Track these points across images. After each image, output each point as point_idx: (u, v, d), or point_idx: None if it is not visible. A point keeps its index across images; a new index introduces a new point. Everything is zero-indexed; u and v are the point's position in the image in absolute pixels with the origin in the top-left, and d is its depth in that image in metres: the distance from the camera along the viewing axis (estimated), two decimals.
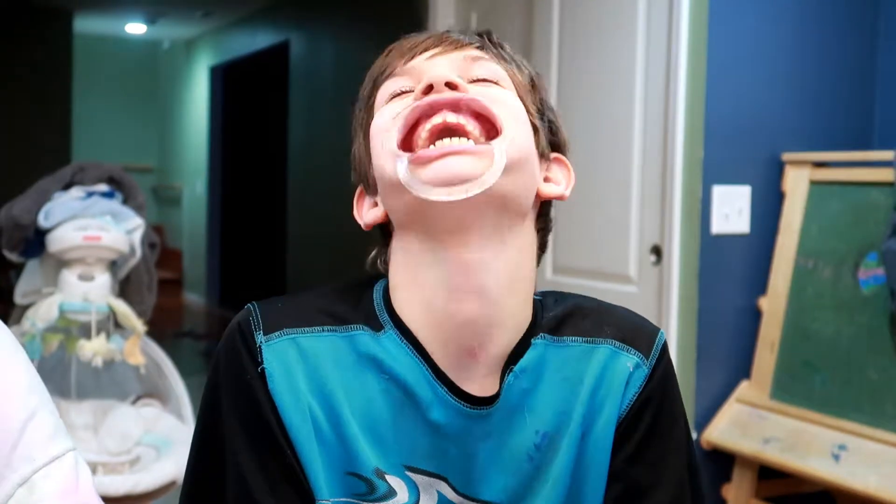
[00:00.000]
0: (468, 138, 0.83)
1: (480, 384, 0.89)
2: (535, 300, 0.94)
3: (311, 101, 7.27)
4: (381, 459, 0.88)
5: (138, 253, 2.81)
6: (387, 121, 0.86)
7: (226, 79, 9.09)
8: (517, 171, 0.84)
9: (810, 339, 2.78)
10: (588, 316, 0.94)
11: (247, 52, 8.47)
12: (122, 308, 2.70)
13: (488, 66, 0.90)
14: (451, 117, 0.83)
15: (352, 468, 0.87)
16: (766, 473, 2.83)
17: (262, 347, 0.88)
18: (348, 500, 0.88)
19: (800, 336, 2.81)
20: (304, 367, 0.88)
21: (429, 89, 0.84)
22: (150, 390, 2.94)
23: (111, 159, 3.10)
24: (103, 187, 2.85)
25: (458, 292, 0.83)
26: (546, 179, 0.93)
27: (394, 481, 0.88)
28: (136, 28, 9.63)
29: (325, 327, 0.89)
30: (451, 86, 0.84)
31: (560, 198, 0.92)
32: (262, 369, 0.87)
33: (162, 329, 6.53)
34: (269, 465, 0.86)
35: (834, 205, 2.80)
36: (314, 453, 0.87)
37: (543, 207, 0.93)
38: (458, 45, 0.90)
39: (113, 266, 2.79)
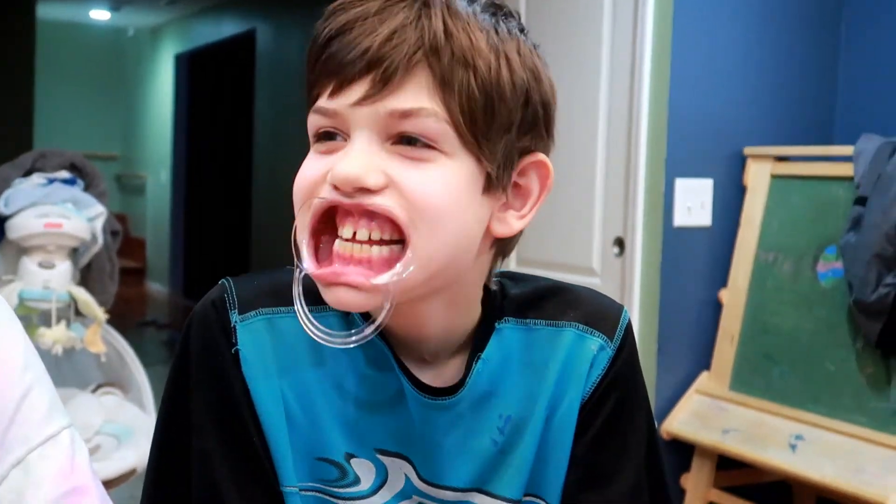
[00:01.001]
0: (371, 244, 0.78)
1: (445, 373, 0.89)
2: (492, 282, 0.93)
3: (277, 90, 7.24)
4: (352, 443, 0.87)
5: (100, 241, 2.79)
6: (307, 180, 0.81)
7: (191, 67, 9.02)
8: (434, 275, 0.79)
9: (770, 332, 2.81)
10: (553, 298, 0.93)
11: (213, 40, 8.41)
12: (83, 296, 2.68)
13: (422, 123, 0.76)
14: (361, 233, 0.77)
15: (322, 453, 0.87)
16: (725, 463, 2.86)
17: (237, 327, 0.86)
18: (316, 484, 0.88)
19: (759, 328, 2.84)
20: (277, 349, 0.87)
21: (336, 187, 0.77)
22: (110, 379, 2.92)
23: (75, 147, 3.07)
24: (65, 174, 2.82)
25: (398, 325, 0.82)
26: (505, 207, 0.83)
27: (363, 464, 0.88)
28: (100, 14, 9.53)
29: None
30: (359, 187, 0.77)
31: (520, 229, 0.85)
32: (237, 350, 0.86)
33: (125, 318, 6.48)
34: (236, 454, 0.85)
35: (794, 199, 2.83)
36: (284, 438, 0.86)
37: (501, 238, 0.86)
38: (391, 75, 0.76)
39: (74, 254, 2.76)
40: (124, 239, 3.03)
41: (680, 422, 2.85)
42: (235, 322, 0.86)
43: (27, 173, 2.80)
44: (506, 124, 0.80)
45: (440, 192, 0.77)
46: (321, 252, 0.80)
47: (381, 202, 0.76)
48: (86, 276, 2.84)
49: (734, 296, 2.91)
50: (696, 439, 2.80)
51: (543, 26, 3.17)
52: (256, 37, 7.52)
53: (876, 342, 2.48)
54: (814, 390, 2.66)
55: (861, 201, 2.57)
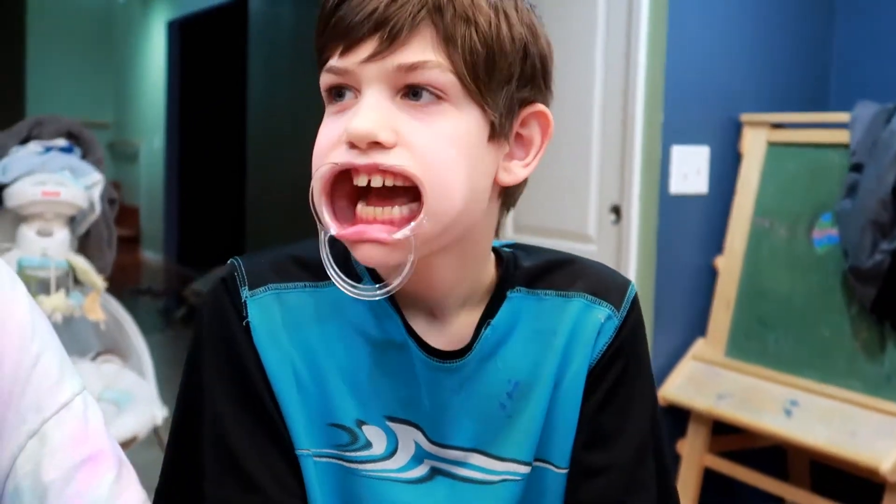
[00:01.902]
0: (394, 203, 0.82)
1: (453, 336, 0.91)
2: (504, 252, 0.96)
3: (270, 57, 7.20)
4: (362, 410, 0.90)
5: (97, 209, 2.79)
6: (323, 146, 0.84)
7: (183, 34, 8.97)
8: (450, 225, 0.83)
9: (765, 298, 2.83)
10: (562, 269, 0.96)
11: (205, 6, 8.35)
12: (82, 264, 2.68)
13: (428, 74, 0.81)
14: (376, 179, 0.81)
15: (333, 419, 0.89)
16: (720, 429, 2.89)
17: (248, 302, 0.89)
18: (330, 450, 0.90)
19: (755, 294, 2.86)
20: (287, 322, 0.89)
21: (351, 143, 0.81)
22: (109, 346, 2.94)
23: (67, 115, 3.06)
24: (61, 142, 2.82)
25: (411, 281, 0.84)
26: (510, 157, 0.88)
27: (373, 431, 0.90)
28: None
29: (307, 283, 0.91)
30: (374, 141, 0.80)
31: (524, 177, 0.89)
32: (247, 322, 0.89)
33: (119, 286, 6.48)
34: (250, 417, 0.88)
35: (790, 165, 2.84)
36: (296, 405, 0.88)
37: (508, 187, 0.90)
38: (397, 32, 0.80)
39: (72, 222, 2.76)
40: (118, 207, 3.03)
41: (676, 387, 2.87)
42: (246, 297, 0.89)
43: (23, 141, 2.80)
44: (506, 76, 0.84)
45: (450, 143, 0.82)
46: (339, 215, 0.84)
47: (394, 161, 0.80)
48: (84, 245, 2.84)
49: (730, 262, 2.93)
50: (691, 405, 2.83)
51: None
52: (249, 3, 7.47)
53: (871, 308, 2.50)
54: (808, 356, 2.68)
55: (856, 168, 2.58)
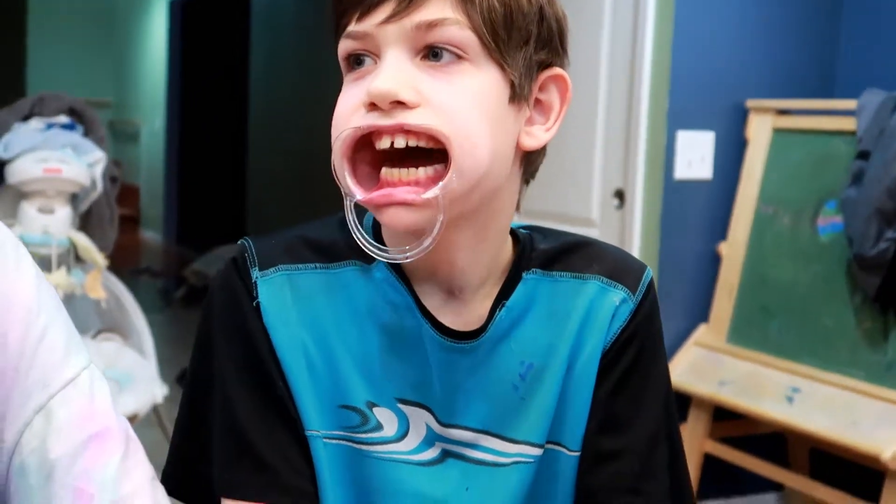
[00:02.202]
0: (417, 166, 0.81)
1: (468, 317, 0.90)
2: (521, 233, 0.95)
3: (272, 37, 7.18)
4: (373, 392, 0.89)
5: (99, 187, 2.78)
6: (343, 112, 0.83)
7: (185, 13, 8.93)
8: (476, 185, 0.82)
9: (768, 285, 2.83)
10: (578, 252, 0.95)
11: None
12: (83, 241, 2.68)
13: (447, 31, 0.80)
14: (399, 141, 0.80)
15: (344, 401, 0.88)
16: (721, 415, 2.89)
17: (258, 282, 0.88)
18: (340, 432, 0.89)
19: (758, 281, 2.85)
20: (297, 303, 0.88)
21: (373, 105, 0.80)
22: (110, 325, 2.93)
23: (67, 93, 3.05)
24: (63, 119, 2.81)
25: (430, 256, 0.83)
26: (530, 122, 0.87)
27: (384, 413, 0.89)
28: None
29: (318, 265, 0.90)
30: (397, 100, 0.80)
31: (546, 141, 0.88)
32: (258, 303, 0.88)
33: (118, 266, 6.47)
34: (260, 397, 0.87)
35: (795, 152, 2.83)
36: (306, 386, 0.88)
37: (529, 154, 0.89)
38: None
39: (73, 199, 2.75)
40: (119, 185, 3.02)
41: (677, 373, 2.87)
42: (256, 278, 0.88)
43: (25, 118, 2.78)
44: (524, 36, 0.84)
45: (473, 102, 0.81)
46: (361, 183, 0.83)
47: (420, 120, 0.80)
48: (85, 222, 2.83)
49: (733, 249, 2.92)
50: (693, 391, 2.83)
51: None
52: None
53: (874, 296, 2.49)
54: (811, 343, 2.68)
55: (863, 156, 2.57)
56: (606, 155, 2.99)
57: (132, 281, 6.98)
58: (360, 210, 0.87)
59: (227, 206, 8.43)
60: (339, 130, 0.82)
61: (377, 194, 0.81)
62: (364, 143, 0.82)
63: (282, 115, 6.95)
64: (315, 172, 6.32)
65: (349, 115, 0.82)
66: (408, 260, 0.82)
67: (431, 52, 0.81)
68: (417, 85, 0.80)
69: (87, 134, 2.85)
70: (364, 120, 0.81)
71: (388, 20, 0.80)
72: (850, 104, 2.70)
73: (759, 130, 2.93)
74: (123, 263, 7.50)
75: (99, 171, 2.76)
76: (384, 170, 0.82)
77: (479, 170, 0.81)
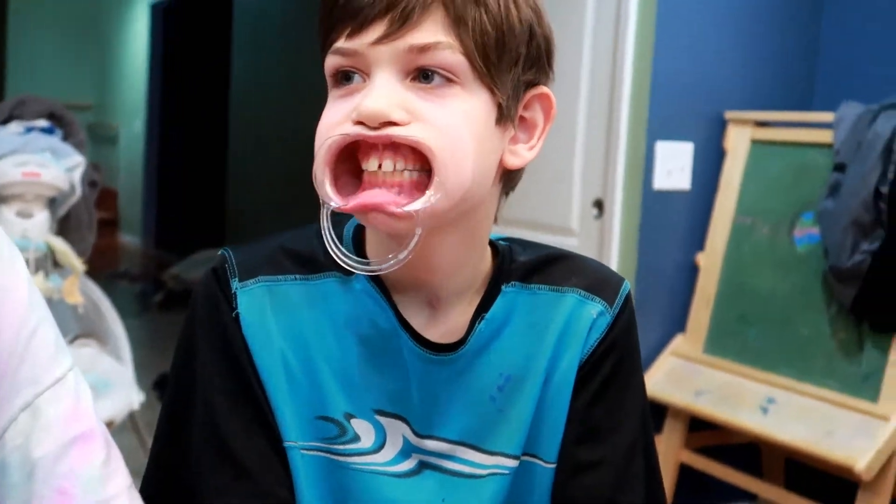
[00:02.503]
0: (401, 165, 0.81)
1: (447, 329, 0.91)
2: (501, 245, 0.95)
3: (255, 40, 7.16)
4: (351, 403, 0.89)
5: (78, 191, 2.77)
6: (329, 124, 0.83)
7: (167, 16, 8.90)
8: (457, 203, 0.82)
9: (745, 295, 2.84)
10: (557, 264, 0.96)
11: None
12: (61, 246, 2.66)
13: (440, 55, 0.80)
14: (387, 164, 0.80)
15: (322, 412, 0.89)
16: (697, 425, 2.90)
17: (238, 293, 0.89)
18: (317, 443, 0.89)
19: (735, 292, 2.87)
20: (277, 313, 0.89)
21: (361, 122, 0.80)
22: (87, 330, 2.91)
23: (47, 96, 3.03)
24: (43, 123, 2.79)
25: (411, 264, 0.83)
26: (514, 140, 0.87)
27: (362, 425, 0.90)
28: None
29: (297, 276, 0.90)
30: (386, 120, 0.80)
31: (530, 160, 0.89)
32: (237, 314, 0.88)
33: (96, 270, 6.42)
34: (241, 406, 0.87)
35: (773, 164, 2.86)
36: (285, 397, 0.88)
37: (510, 171, 0.89)
38: (409, 13, 0.79)
39: (52, 204, 2.74)
40: (98, 190, 3.00)
41: (654, 383, 2.88)
42: (236, 288, 0.89)
43: (5, 121, 2.77)
44: (514, 58, 0.84)
45: (462, 123, 0.81)
46: (341, 191, 0.83)
47: (410, 133, 0.79)
48: (63, 227, 2.82)
49: (711, 259, 2.94)
50: (669, 400, 2.84)
51: None
52: None
53: (850, 308, 2.51)
54: (786, 354, 2.70)
55: (840, 168, 2.59)
56: (586, 164, 3.01)
57: (110, 285, 6.95)
58: (342, 219, 0.88)
59: (206, 210, 8.40)
60: (322, 141, 0.82)
61: (356, 202, 0.80)
62: (346, 156, 0.82)
63: (263, 118, 6.94)
64: (296, 177, 6.31)
65: (335, 127, 0.82)
66: (381, 272, 0.82)
67: (422, 75, 0.81)
68: (408, 105, 0.80)
69: (66, 138, 2.84)
70: (352, 129, 0.80)
71: (380, 40, 0.80)
72: (827, 117, 2.72)
73: (738, 142, 2.95)
74: (102, 267, 7.46)
75: (78, 175, 2.74)
76: (366, 173, 0.81)
77: (461, 189, 0.81)
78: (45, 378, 0.83)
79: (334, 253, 0.82)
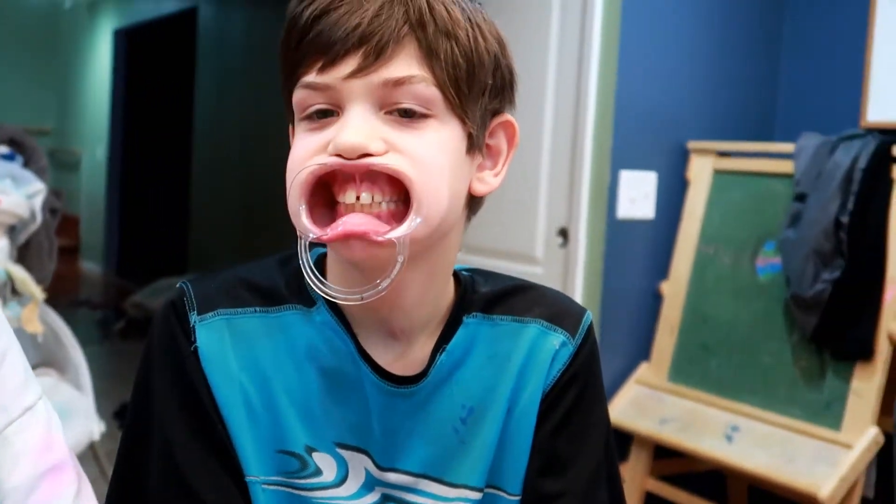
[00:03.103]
0: (379, 195, 0.81)
1: (409, 361, 0.90)
2: (463, 276, 0.95)
3: (219, 69, 7.15)
4: (312, 436, 0.88)
5: (38, 218, 2.73)
6: (302, 157, 0.82)
7: (130, 43, 8.86)
8: (434, 230, 0.82)
9: (708, 324, 2.86)
10: (519, 295, 0.96)
11: (153, 16, 8.27)
12: (21, 274, 2.62)
13: (414, 89, 0.80)
14: (364, 196, 0.80)
15: (283, 446, 0.88)
16: (662, 453, 2.91)
17: (196, 326, 0.87)
18: (279, 478, 0.88)
19: (699, 320, 2.89)
20: (237, 347, 0.88)
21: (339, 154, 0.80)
22: (47, 359, 2.87)
23: (6, 121, 3.00)
24: (3, 149, 2.75)
25: (378, 298, 0.83)
26: (481, 168, 0.89)
27: (324, 458, 0.89)
28: None
29: (258, 308, 0.89)
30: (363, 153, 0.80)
31: (496, 186, 0.90)
32: (196, 347, 0.87)
33: (58, 297, 6.34)
34: (200, 441, 0.86)
35: (736, 193, 2.88)
36: (245, 431, 0.87)
37: (475, 198, 0.90)
38: (383, 47, 0.79)
39: (11, 231, 2.70)
40: (60, 217, 2.97)
41: (619, 411, 2.89)
42: (194, 322, 0.88)
43: None
44: (482, 88, 0.85)
45: (437, 152, 0.82)
46: (317, 221, 0.82)
47: (387, 162, 0.79)
48: (23, 254, 2.78)
49: (675, 287, 2.96)
50: (634, 428, 2.84)
51: (492, 16, 3.16)
52: (198, 14, 7.42)
53: (811, 336, 2.54)
54: (750, 382, 2.71)
55: (800, 198, 2.62)
56: (551, 193, 3.02)
57: (71, 312, 6.86)
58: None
59: (169, 237, 8.33)
60: (296, 172, 0.81)
61: (335, 232, 0.80)
62: (320, 189, 0.82)
63: (227, 145, 6.91)
64: (260, 205, 6.28)
65: (307, 159, 0.81)
66: (363, 301, 0.81)
67: (400, 111, 0.81)
68: (384, 136, 0.80)
69: (27, 164, 2.80)
70: (329, 160, 0.80)
71: (353, 74, 0.80)
72: (788, 147, 2.75)
73: (701, 171, 2.97)
74: (63, 294, 7.38)
75: (39, 202, 2.71)
76: (342, 205, 0.81)
77: (438, 216, 0.82)
78: (13, 407, 0.82)
79: (315, 284, 0.81)
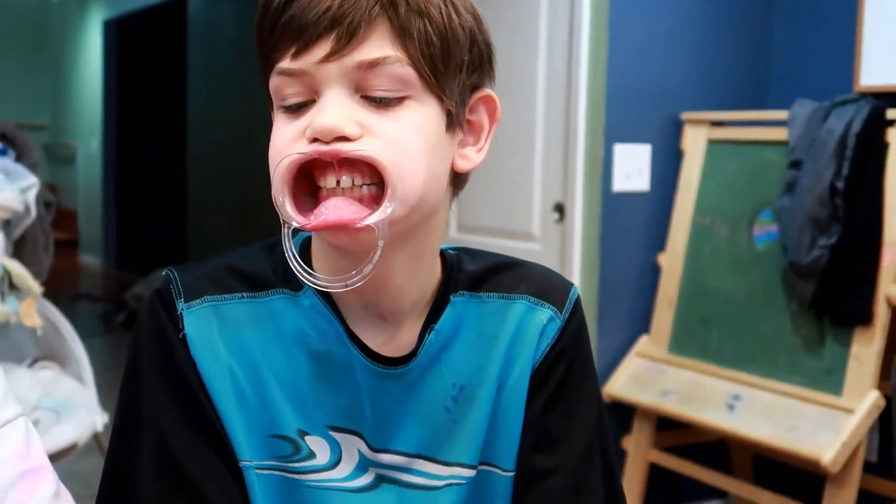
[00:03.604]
0: (358, 180, 0.81)
1: (398, 342, 0.90)
2: (449, 254, 0.95)
3: (210, 58, 7.12)
4: (304, 420, 0.88)
5: (33, 212, 2.73)
6: (282, 145, 0.82)
7: (121, 34, 8.83)
8: (413, 209, 0.82)
9: (707, 295, 2.86)
10: (506, 272, 0.96)
11: (142, 6, 8.24)
12: (17, 269, 2.62)
13: (389, 69, 0.80)
14: (345, 180, 0.80)
15: (275, 430, 0.88)
16: (665, 424, 2.91)
17: (183, 314, 0.87)
18: (272, 462, 0.88)
19: (697, 292, 2.89)
20: (224, 333, 0.88)
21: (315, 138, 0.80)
22: (47, 353, 2.87)
23: (1, 116, 2.99)
24: None
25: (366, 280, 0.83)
26: (463, 144, 0.88)
27: (316, 441, 0.89)
28: None
29: (244, 294, 0.89)
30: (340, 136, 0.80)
31: (479, 162, 0.89)
32: (184, 335, 0.87)
33: (57, 291, 6.33)
34: (192, 428, 0.86)
35: (730, 163, 2.88)
36: (236, 417, 0.87)
37: (458, 175, 0.90)
38: (355, 29, 0.79)
39: (6, 226, 2.70)
40: (55, 210, 2.97)
41: (620, 384, 2.89)
42: (182, 309, 0.88)
43: None
44: (459, 64, 0.84)
45: (413, 133, 0.81)
46: (301, 209, 0.82)
47: (360, 148, 0.79)
48: (19, 249, 2.78)
49: (672, 260, 2.96)
50: (636, 401, 2.85)
51: None
52: (188, 3, 7.38)
53: (810, 303, 2.54)
54: (750, 351, 2.71)
55: (795, 165, 2.62)
56: (546, 169, 3.01)
57: (71, 306, 6.87)
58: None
59: (167, 228, 8.33)
60: (278, 161, 0.82)
61: (317, 222, 0.80)
62: (303, 174, 0.82)
63: (221, 135, 6.90)
64: (256, 193, 6.28)
65: (288, 146, 0.81)
66: (348, 288, 0.81)
67: (377, 99, 0.81)
68: (360, 119, 0.80)
69: (19, 158, 2.80)
70: (307, 148, 0.80)
71: (327, 58, 0.80)
72: (781, 115, 2.75)
73: (695, 142, 2.97)
74: (63, 288, 7.38)
75: (32, 196, 2.70)
76: (323, 190, 0.81)
77: (415, 196, 0.81)
78: None
79: (300, 272, 0.81)
